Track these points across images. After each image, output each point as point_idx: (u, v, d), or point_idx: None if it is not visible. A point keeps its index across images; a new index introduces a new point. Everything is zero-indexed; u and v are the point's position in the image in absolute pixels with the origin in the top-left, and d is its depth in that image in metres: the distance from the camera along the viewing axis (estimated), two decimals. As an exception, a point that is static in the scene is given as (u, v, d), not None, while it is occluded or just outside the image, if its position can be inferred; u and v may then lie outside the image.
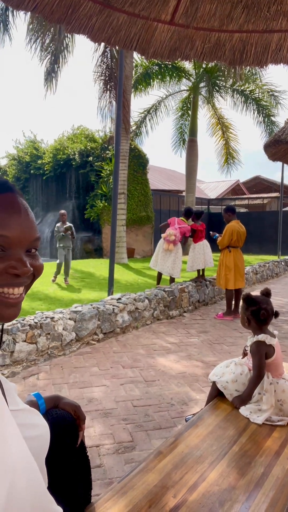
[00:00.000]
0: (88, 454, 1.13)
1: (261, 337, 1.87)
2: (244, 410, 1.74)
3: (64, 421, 1.04)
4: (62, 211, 7.75)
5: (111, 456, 2.11)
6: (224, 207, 5.79)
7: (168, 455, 1.36)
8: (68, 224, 7.51)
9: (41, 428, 0.75)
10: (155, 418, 2.53)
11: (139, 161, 13.81)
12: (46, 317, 3.62)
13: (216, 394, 1.93)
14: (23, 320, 3.46)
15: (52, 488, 0.97)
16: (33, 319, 3.51)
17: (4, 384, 0.69)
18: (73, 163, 15.44)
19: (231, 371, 1.95)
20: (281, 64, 2.45)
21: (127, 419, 2.51)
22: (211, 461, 1.34)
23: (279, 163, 10.21)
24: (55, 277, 7.22)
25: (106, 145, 14.67)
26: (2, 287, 0.63)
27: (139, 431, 2.37)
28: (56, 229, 7.57)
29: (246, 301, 1.97)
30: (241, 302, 2.02)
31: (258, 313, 1.92)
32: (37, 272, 0.69)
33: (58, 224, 7.58)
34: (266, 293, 2.01)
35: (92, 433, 2.32)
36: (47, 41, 9.70)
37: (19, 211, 0.64)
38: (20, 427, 0.61)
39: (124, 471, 1.90)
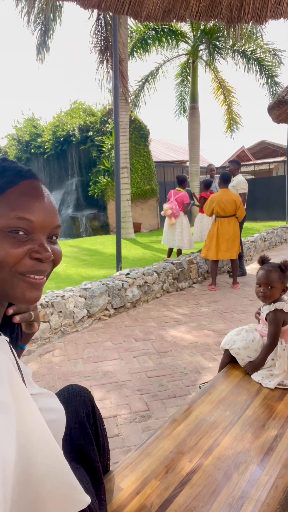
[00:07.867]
0: (104, 424, 1.16)
1: (279, 305, 1.85)
2: (256, 376, 1.76)
3: (79, 396, 1.08)
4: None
5: (129, 425, 2.17)
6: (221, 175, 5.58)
7: (182, 422, 1.39)
8: None
9: (58, 412, 0.78)
10: (169, 388, 2.59)
11: (140, 133, 13.50)
12: (57, 296, 3.66)
13: (229, 361, 1.96)
14: (34, 300, 3.51)
15: (72, 458, 1.01)
16: (44, 298, 3.56)
17: (23, 370, 0.71)
18: (73, 139, 15.15)
19: (242, 338, 1.95)
20: (281, 19, 2.32)
21: (142, 389, 2.57)
22: (224, 426, 1.37)
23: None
24: None
25: (105, 118, 14.32)
26: (25, 274, 0.64)
27: (154, 400, 2.43)
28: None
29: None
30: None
31: None
32: (56, 258, 0.70)
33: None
34: (265, 260, 1.95)
35: (109, 404, 2.39)
36: (35, 12, 9.33)
37: (42, 197, 0.66)
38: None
39: (142, 439, 1.96)
